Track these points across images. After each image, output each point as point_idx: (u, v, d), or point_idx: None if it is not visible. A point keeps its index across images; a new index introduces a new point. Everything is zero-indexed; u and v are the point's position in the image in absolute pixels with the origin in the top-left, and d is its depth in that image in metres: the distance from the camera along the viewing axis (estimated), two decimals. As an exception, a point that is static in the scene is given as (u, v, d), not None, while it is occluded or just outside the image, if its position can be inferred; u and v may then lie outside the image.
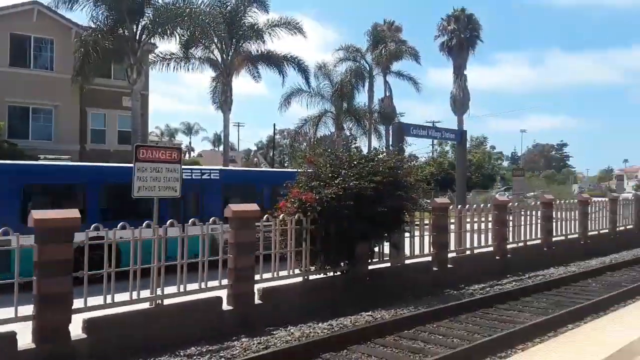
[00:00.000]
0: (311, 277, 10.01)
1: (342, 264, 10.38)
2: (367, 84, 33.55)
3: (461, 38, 41.28)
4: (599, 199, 21.51)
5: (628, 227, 21.03)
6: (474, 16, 42.26)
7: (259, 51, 26.97)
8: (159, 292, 7.83)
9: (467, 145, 61.80)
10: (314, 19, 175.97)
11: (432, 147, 63.25)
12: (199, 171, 14.89)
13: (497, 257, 14.21)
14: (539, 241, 16.04)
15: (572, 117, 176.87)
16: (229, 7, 26.37)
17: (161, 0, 24.10)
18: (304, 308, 9.32)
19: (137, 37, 24.27)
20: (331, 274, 10.36)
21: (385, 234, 10.79)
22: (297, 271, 9.74)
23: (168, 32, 23.88)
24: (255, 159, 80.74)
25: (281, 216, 9.50)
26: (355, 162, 10.44)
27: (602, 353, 4.87)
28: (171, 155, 8.26)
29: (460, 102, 41.92)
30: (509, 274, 13.57)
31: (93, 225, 7.10)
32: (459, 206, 13.84)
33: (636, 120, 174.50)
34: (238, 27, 26.14)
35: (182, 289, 8.01)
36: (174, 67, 27.99)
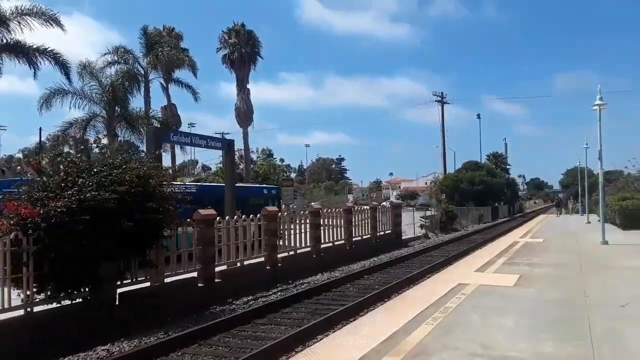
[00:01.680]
0: (38, 309, 8.27)
1: (82, 289, 8.84)
2: (143, 89, 31.17)
3: (242, 52, 41.89)
4: (365, 207, 23.37)
5: (387, 232, 23.27)
6: (253, 32, 43.41)
7: (4, 40, 22.86)
8: None
9: (254, 157, 63.44)
10: (96, 18, 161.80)
11: (223, 157, 62.72)
12: None
13: (268, 267, 14.03)
14: (309, 249, 16.47)
15: (347, 134, 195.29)
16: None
17: None
18: (29, 349, 7.64)
19: None
20: (68, 302, 8.72)
21: (137, 252, 9.55)
22: (17, 302, 7.91)
23: None
24: (19, 167, 69.81)
25: (-12, 237, 7.58)
26: (96, 170, 8.99)
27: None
28: None
29: (244, 114, 42.39)
30: (279, 283, 13.49)
31: None
32: (227, 217, 13.25)
33: (396, 139, 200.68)
34: (-25, 13, 21.78)
35: None
36: None
